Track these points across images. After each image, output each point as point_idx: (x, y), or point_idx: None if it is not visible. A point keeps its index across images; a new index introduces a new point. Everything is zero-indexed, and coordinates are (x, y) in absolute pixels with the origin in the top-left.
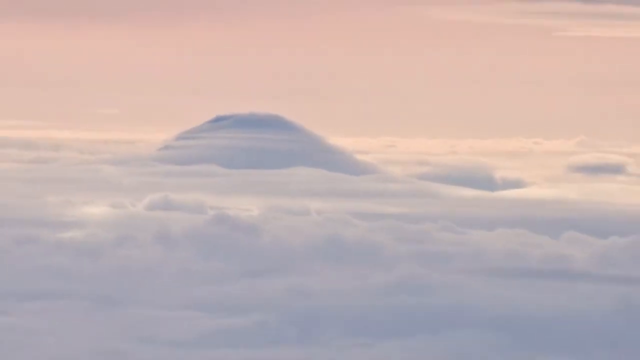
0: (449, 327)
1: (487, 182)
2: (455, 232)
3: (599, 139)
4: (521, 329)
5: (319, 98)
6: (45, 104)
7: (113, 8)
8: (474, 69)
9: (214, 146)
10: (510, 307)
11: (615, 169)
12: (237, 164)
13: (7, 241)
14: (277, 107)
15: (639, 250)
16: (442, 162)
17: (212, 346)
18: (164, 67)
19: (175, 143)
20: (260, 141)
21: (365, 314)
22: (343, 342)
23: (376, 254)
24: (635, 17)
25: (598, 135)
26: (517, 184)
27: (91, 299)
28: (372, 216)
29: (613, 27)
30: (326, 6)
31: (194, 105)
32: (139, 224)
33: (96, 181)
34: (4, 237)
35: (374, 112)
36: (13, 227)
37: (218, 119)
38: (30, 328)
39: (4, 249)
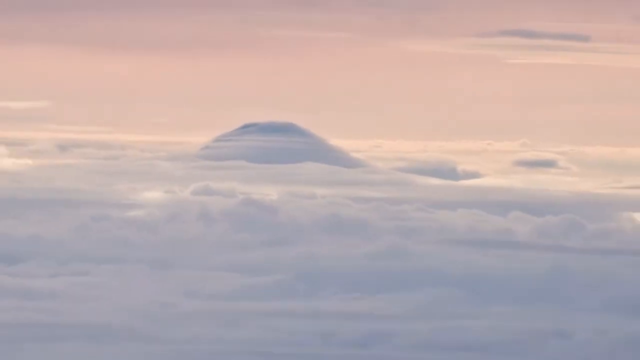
0: (422, 285)
1: (451, 174)
2: (426, 212)
3: (537, 141)
4: (477, 286)
5: (322, 110)
6: (115, 114)
7: (159, 42)
8: (442, 88)
9: (242, 147)
10: (469, 269)
11: (549, 164)
12: (260, 160)
13: (86, 218)
14: (291, 117)
15: (567, 226)
16: (416, 158)
17: (242, 299)
18: (200, 86)
19: (213, 144)
20: (278, 143)
21: (357, 274)
22: (340, 296)
23: (366, 228)
24: (564, 49)
25: (536, 138)
26: (474, 175)
27: (149, 263)
28: (362, 199)
29: (547, 55)
30: (326, 45)
31: (227, 115)
32: (185, 205)
33: (153, 173)
34: (84, 215)
35: (364, 121)
36: (91, 208)
37: (246, 126)
38: (105, 284)
39: (84, 224)
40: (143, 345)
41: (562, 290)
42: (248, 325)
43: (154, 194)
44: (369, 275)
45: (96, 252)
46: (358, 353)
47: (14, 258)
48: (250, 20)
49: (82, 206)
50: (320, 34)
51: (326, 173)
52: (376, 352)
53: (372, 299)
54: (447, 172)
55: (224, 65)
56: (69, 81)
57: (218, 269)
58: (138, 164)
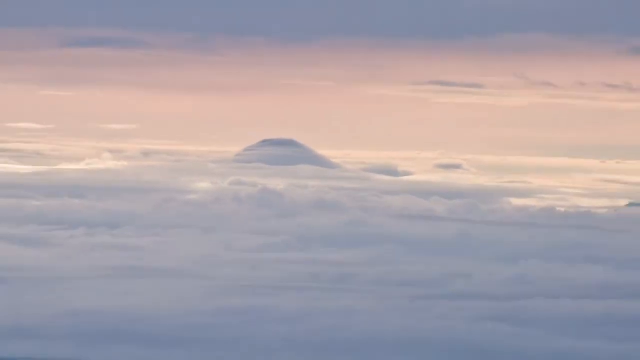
0: (375, 243)
1: (394, 173)
2: (378, 197)
3: (450, 151)
4: (411, 244)
5: (312, 131)
6: (181, 133)
7: (209, 86)
8: (390, 117)
9: (261, 154)
10: (405, 234)
11: (457, 166)
12: (272, 163)
13: (160, 201)
14: (292, 135)
15: (469, 206)
16: (372, 162)
17: (261, 252)
18: (234, 115)
19: (243, 152)
20: (284, 152)
21: (334, 236)
22: (323, 251)
23: (340, 207)
24: (469, 93)
25: (449, 149)
26: (409, 173)
27: (201, 229)
28: (337, 188)
29: (458, 97)
30: (315, 89)
31: (252, 134)
32: (224, 192)
33: (204, 171)
34: (160, 199)
35: (340, 139)
36: (162, 193)
37: (264, 141)
38: (172, 243)
39: (159, 205)
40: (198, 282)
41: (466, 247)
42: (266, 269)
43: (204, 184)
44: (342, 237)
45: (167, 222)
46: (335, 287)
47: (115, 225)
48: (267, 74)
49: (159, 192)
50: (311, 83)
51: (314, 172)
52: (348, 286)
53: (344, 251)
54: (392, 171)
55: (252, 102)
56: (150, 111)
57: (245, 233)
58: (194, 165)
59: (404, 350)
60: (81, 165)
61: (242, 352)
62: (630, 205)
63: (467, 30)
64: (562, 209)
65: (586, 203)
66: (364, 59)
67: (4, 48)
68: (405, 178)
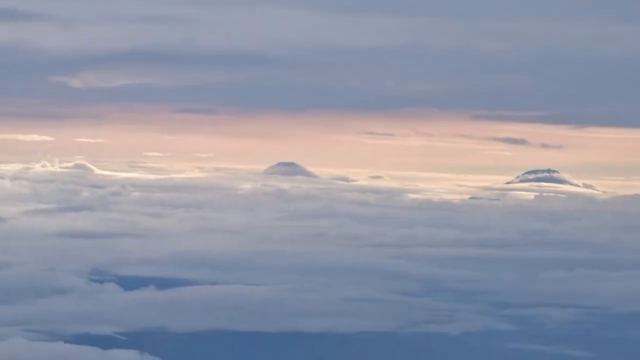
0: (338, 215)
1: (347, 180)
2: (338, 193)
3: (378, 169)
4: (358, 215)
5: (304, 157)
6: (237, 158)
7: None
8: (345, 150)
9: (277, 169)
10: (353, 210)
11: (380, 177)
12: (283, 174)
13: (223, 194)
14: (293, 159)
15: (387, 198)
16: (335, 174)
17: (279, 220)
18: (263, 148)
19: (268, 168)
20: (289, 169)
21: (320, 214)
22: (315, 222)
23: (318, 198)
24: (390, 137)
25: (378, 168)
26: (353, 181)
27: (247, 209)
28: (316, 188)
29: (384, 139)
30: (306, 134)
31: (272, 157)
32: (259, 189)
33: (247, 178)
34: (223, 193)
35: (318, 162)
36: (225, 190)
37: (279, 163)
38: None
39: (225, 195)
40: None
41: (385, 220)
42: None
43: (247, 185)
44: (323, 214)
45: (235, 205)
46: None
47: (215, 206)
48: (282, 127)
49: (222, 189)
50: (303, 132)
51: (304, 180)
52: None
53: (325, 221)
54: (346, 179)
55: (273, 142)
56: (219, 148)
57: (272, 214)
58: (242, 174)
59: None
60: (183, 175)
61: None
62: (471, 198)
63: (386, 105)
64: (436, 200)
65: (448, 197)
66: (334, 123)
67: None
68: (353, 183)
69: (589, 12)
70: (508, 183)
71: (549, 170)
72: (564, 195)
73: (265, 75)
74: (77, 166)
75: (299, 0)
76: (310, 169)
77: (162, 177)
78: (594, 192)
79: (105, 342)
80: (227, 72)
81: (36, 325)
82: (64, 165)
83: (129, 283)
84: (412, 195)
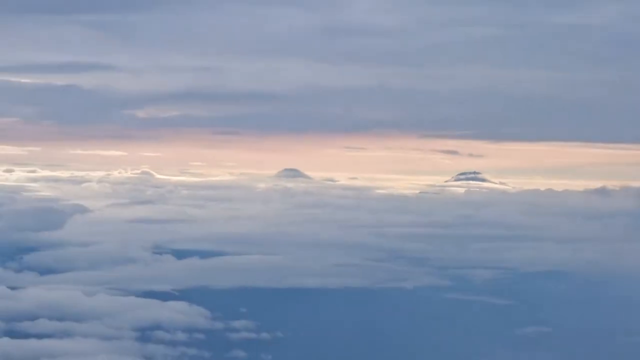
0: (324, 205)
1: (333, 180)
2: (325, 189)
3: (352, 174)
4: (338, 205)
5: (303, 165)
6: (253, 165)
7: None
8: (329, 162)
9: (284, 174)
10: (336, 200)
11: (355, 178)
12: (288, 177)
13: (245, 191)
14: (295, 166)
15: (359, 193)
16: (324, 176)
17: (285, 212)
18: (274, 159)
19: (277, 173)
20: (292, 173)
21: (313, 204)
22: (310, 209)
23: (312, 193)
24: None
25: (352, 173)
26: (337, 181)
27: (263, 201)
28: (311, 187)
29: (358, 151)
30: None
31: (279, 165)
32: (271, 189)
33: (262, 180)
34: (246, 191)
35: (313, 168)
36: (245, 189)
37: (285, 169)
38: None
39: (250, 190)
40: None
41: (360, 208)
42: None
43: (263, 185)
44: (317, 205)
45: (251, 197)
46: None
47: (231, 198)
48: (286, 141)
49: (242, 188)
50: (302, 146)
51: (303, 181)
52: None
53: (318, 210)
54: (331, 180)
55: (281, 154)
56: (244, 159)
57: (280, 206)
58: (258, 178)
59: None
60: (218, 178)
61: None
62: (420, 193)
63: (359, 128)
64: (395, 194)
65: (404, 192)
66: (323, 141)
67: None
68: (337, 183)
69: (498, 58)
70: (446, 182)
71: (474, 173)
72: (485, 190)
73: (276, 108)
74: (143, 173)
75: (298, 54)
76: (307, 173)
77: (203, 179)
78: (507, 187)
79: (164, 296)
80: (248, 106)
81: (115, 285)
82: (134, 172)
83: (180, 254)
84: (378, 191)
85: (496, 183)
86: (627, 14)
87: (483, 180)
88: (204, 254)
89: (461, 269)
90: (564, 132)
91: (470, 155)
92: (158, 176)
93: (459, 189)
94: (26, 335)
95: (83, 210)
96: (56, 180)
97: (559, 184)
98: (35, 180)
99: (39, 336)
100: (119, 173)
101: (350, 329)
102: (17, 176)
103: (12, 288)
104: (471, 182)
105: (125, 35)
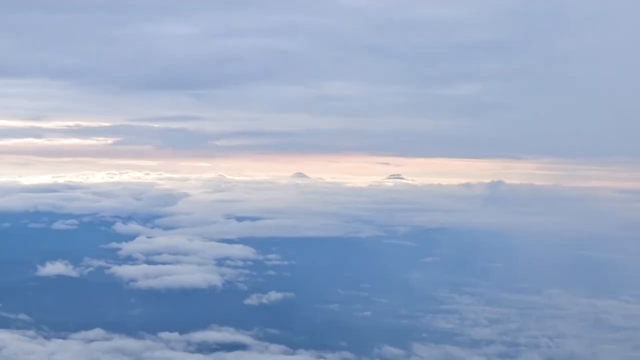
0: (311, 195)
1: (322, 179)
2: (325, 187)
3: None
4: (320, 196)
5: (307, 171)
6: (273, 174)
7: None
8: (320, 168)
9: (296, 176)
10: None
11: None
12: (298, 180)
13: (265, 189)
14: (302, 170)
15: (334, 190)
16: (320, 178)
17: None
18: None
19: (291, 177)
20: (300, 176)
21: (310, 192)
22: (312, 195)
23: (317, 190)
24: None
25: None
26: (321, 179)
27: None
28: (310, 184)
29: (335, 162)
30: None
31: (292, 170)
32: (288, 184)
33: (280, 179)
34: (267, 189)
35: (315, 173)
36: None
37: (296, 173)
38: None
39: (276, 187)
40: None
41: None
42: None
43: (284, 181)
44: (314, 193)
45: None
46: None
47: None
48: (296, 158)
49: (267, 185)
50: (311, 161)
51: (309, 181)
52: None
53: (315, 196)
54: (322, 179)
55: (293, 164)
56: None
57: (294, 194)
58: (276, 180)
59: None
60: (259, 178)
61: None
62: (369, 186)
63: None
64: (355, 187)
65: (360, 185)
66: (315, 158)
67: None
68: (324, 181)
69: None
70: (382, 180)
71: (398, 175)
72: (404, 185)
73: (287, 141)
74: (219, 175)
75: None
76: (309, 175)
77: (251, 179)
78: (416, 183)
79: (230, 242)
80: (274, 139)
81: (204, 236)
82: (214, 175)
83: (240, 219)
84: (346, 185)
85: (410, 180)
86: None
87: (403, 179)
88: (252, 219)
89: (391, 226)
90: (450, 151)
91: (397, 165)
92: (228, 177)
93: (390, 184)
94: (155, 263)
95: (187, 195)
96: (172, 179)
97: (445, 181)
98: (161, 179)
99: (163, 263)
100: (206, 175)
101: (331, 259)
102: (152, 177)
103: (149, 237)
104: (397, 180)
105: (210, 101)
